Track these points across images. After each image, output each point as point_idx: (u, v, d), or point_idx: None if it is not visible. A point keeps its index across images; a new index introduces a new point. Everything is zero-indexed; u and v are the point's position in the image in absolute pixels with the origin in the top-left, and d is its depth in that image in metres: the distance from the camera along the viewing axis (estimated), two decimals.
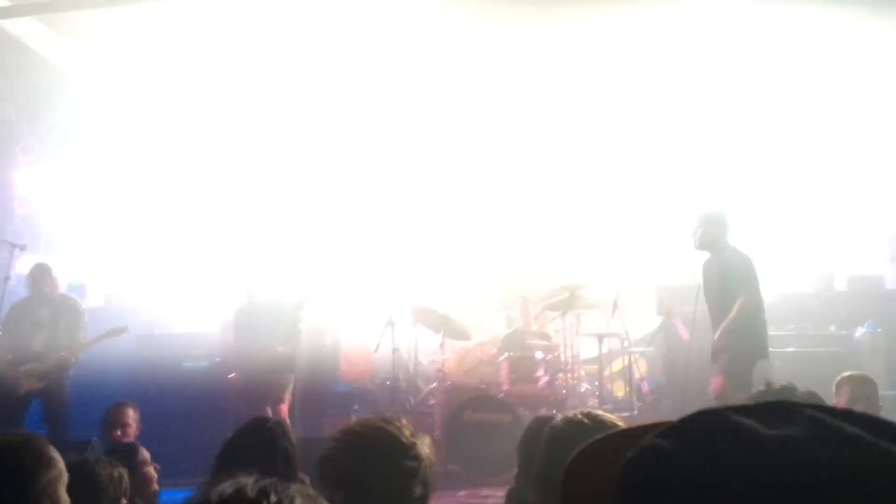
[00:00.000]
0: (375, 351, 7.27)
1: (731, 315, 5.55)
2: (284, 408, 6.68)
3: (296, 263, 9.22)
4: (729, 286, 5.63)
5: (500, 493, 4.54)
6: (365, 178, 10.06)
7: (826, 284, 8.50)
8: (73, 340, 6.74)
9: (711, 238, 5.76)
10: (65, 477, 2.13)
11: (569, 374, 7.45)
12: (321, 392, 8.29)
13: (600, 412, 2.24)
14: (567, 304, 7.60)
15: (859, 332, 7.58)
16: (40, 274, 6.89)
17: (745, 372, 5.43)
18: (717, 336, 5.67)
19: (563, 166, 9.90)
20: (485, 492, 6.33)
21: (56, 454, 2.19)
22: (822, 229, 8.94)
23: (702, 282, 6.02)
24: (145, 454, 3.91)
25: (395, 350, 7.07)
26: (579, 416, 2.19)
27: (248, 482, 0.98)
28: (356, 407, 8.27)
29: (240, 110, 9.61)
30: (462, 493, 6.38)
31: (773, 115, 9.17)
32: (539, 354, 7.22)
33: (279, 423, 3.18)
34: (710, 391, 5.71)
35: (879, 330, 7.53)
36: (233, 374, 6.93)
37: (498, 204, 10.39)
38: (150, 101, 9.73)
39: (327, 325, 8.93)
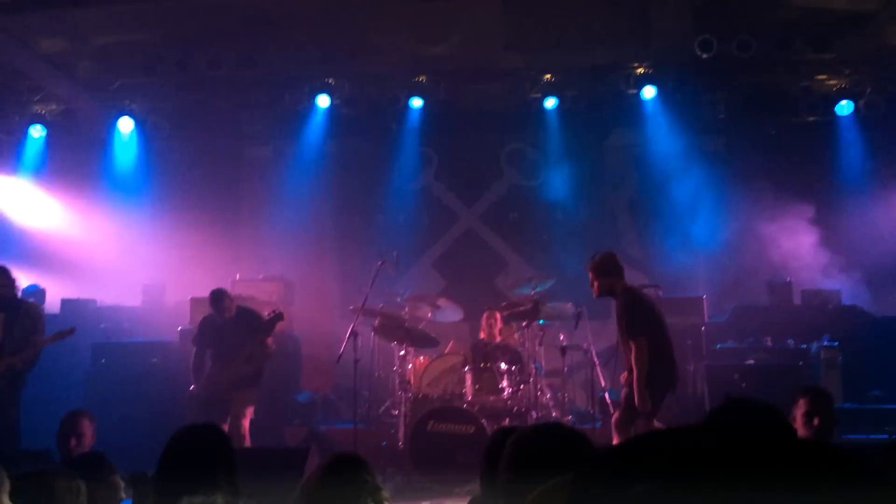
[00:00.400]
0: (338, 361, 7.17)
1: (632, 358, 5.74)
2: (246, 423, 6.55)
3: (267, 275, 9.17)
4: (625, 329, 5.85)
5: None
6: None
7: (785, 299, 8.67)
8: (32, 344, 6.55)
9: (607, 288, 5.97)
10: (6, 485, 2.05)
11: (532, 386, 7.47)
12: (282, 401, 8.19)
13: (565, 424, 2.25)
14: (531, 315, 7.64)
15: (816, 346, 7.74)
16: None
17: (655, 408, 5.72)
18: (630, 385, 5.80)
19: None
20: (448, 502, 6.29)
21: None
22: (783, 244, 9.12)
23: None
24: (111, 463, 3.80)
25: (357, 360, 7.00)
26: (546, 426, 2.19)
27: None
28: (318, 417, 8.17)
29: None
30: (425, 503, 6.34)
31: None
32: (503, 366, 7.22)
33: (213, 428, 3.04)
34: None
35: (836, 344, 7.69)
36: (192, 388, 6.78)
37: (463, 212, 10.45)
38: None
39: (290, 333, 8.84)
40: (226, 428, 6.36)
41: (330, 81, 9.83)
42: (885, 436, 7.02)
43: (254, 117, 10.33)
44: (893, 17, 8.97)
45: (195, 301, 8.05)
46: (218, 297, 6.77)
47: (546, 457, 2.01)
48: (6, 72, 9.41)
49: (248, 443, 6.46)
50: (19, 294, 6.91)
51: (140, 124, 10.02)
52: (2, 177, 10.04)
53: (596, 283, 6.00)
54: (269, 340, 6.73)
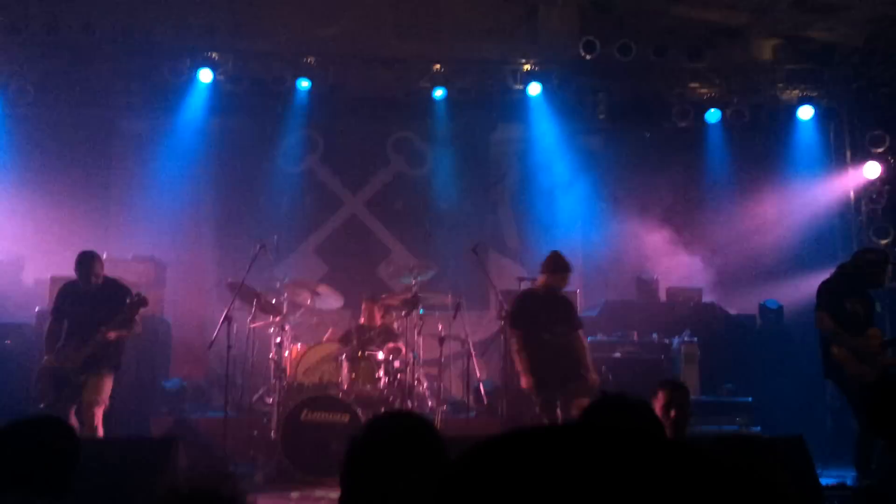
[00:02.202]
0: (209, 347, 6.94)
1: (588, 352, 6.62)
2: (100, 411, 6.02)
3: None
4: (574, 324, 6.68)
5: (335, 495, 4.47)
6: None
7: (651, 295, 9.11)
8: None
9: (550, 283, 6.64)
10: None
11: (409, 375, 7.51)
12: (149, 388, 7.86)
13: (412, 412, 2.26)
14: (410, 304, 7.67)
15: (677, 340, 8.18)
16: None
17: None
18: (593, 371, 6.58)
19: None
20: (319, 492, 6.25)
21: None
22: (651, 242, 9.58)
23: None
24: None
25: (230, 347, 6.79)
26: (386, 415, 2.20)
27: None
28: (187, 405, 7.90)
29: None
30: (295, 493, 6.27)
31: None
32: (380, 355, 7.22)
33: (53, 422, 2.76)
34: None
35: (695, 339, 8.15)
36: (46, 358, 6.17)
37: (348, 198, 10.36)
38: None
39: (160, 316, 8.49)
40: (72, 414, 5.96)
41: (213, 56, 9.46)
42: (736, 426, 7.54)
43: (129, 88, 9.75)
44: (761, 32, 9.58)
45: (56, 280, 7.56)
46: (88, 259, 6.22)
47: (389, 450, 2.02)
48: None
49: (100, 433, 5.95)
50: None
51: (1, 89, 9.29)
52: None
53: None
54: (133, 322, 6.28)
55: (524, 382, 6.38)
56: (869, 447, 6.03)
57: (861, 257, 6.58)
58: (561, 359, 6.38)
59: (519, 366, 6.41)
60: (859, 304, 6.35)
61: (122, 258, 8.56)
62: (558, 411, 6.32)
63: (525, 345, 6.41)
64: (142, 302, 6.18)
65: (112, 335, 6.10)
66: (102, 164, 9.82)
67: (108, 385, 6.17)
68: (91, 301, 6.23)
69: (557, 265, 6.61)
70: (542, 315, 6.50)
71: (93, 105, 9.66)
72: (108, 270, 7.74)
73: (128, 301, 6.19)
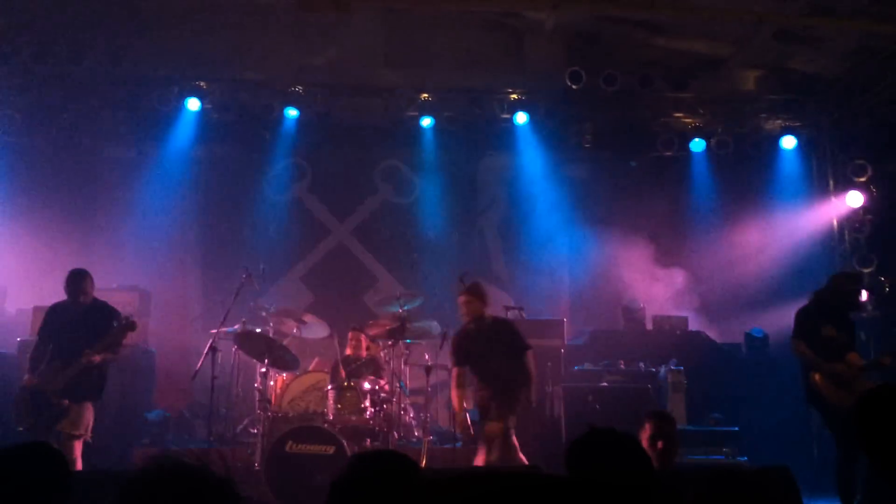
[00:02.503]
0: (193, 377, 6.87)
1: (531, 369, 6.59)
2: (79, 444, 5.92)
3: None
4: (517, 344, 6.64)
5: None
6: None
7: (638, 324, 9.12)
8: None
9: (479, 312, 6.66)
10: None
11: (395, 405, 7.45)
12: (131, 419, 7.76)
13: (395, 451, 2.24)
14: (397, 334, 7.64)
15: (664, 369, 8.18)
16: None
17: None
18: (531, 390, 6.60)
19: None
20: None
21: None
22: (638, 271, 9.61)
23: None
24: None
25: (215, 377, 6.73)
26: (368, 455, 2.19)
27: None
28: (170, 437, 7.80)
29: None
30: None
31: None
32: (366, 385, 7.16)
33: (42, 448, 2.57)
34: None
35: (682, 368, 8.15)
36: (26, 378, 6.03)
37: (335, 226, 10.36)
38: None
39: (144, 346, 8.42)
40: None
41: (201, 84, 9.49)
42: (723, 456, 7.51)
43: (117, 116, 9.78)
44: (743, 63, 9.71)
45: (38, 310, 7.48)
46: (78, 276, 6.16)
47: (370, 492, 2.00)
48: None
49: (79, 466, 5.86)
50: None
51: None
52: None
53: (473, 306, 6.62)
54: (119, 346, 6.15)
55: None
56: (851, 475, 6.02)
57: (834, 282, 6.59)
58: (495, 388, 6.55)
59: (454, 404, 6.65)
60: (837, 330, 6.35)
61: (106, 287, 8.46)
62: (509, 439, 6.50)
63: (458, 382, 6.68)
64: (130, 326, 6.11)
65: (97, 358, 5.99)
66: (88, 193, 9.78)
67: (88, 415, 6.05)
68: (78, 322, 6.13)
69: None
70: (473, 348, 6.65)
71: (80, 133, 9.67)
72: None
73: (115, 324, 6.10)
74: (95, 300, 6.33)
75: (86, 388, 6.05)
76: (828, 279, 6.72)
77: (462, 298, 6.66)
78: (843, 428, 6.13)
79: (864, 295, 6.65)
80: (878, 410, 2.62)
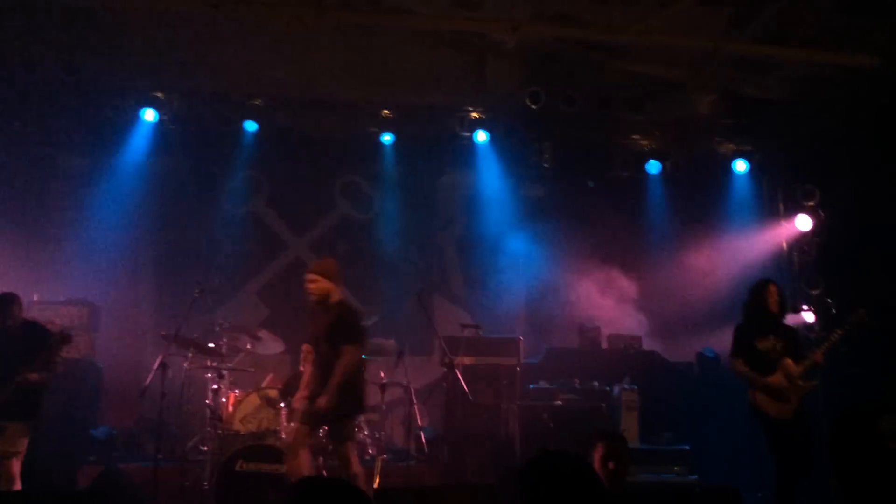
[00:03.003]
0: (142, 394, 6.72)
1: (337, 373, 5.80)
2: (17, 465, 5.82)
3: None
4: (341, 334, 5.90)
5: None
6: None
7: (593, 342, 9.19)
8: None
9: (326, 293, 6.01)
10: None
11: None
12: (77, 436, 7.55)
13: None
14: None
15: (618, 388, 8.25)
16: None
17: (351, 428, 6.05)
18: (326, 394, 5.80)
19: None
20: None
21: None
22: (594, 290, 9.70)
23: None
24: None
25: (164, 393, 6.59)
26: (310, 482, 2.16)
27: None
28: (117, 454, 7.61)
29: None
30: None
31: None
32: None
33: None
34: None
35: (635, 386, 8.23)
36: None
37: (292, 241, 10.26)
38: None
39: (92, 361, 8.22)
40: None
41: (158, 95, 9.36)
42: (674, 475, 7.59)
43: (70, 126, 9.58)
44: (698, 87, 9.91)
45: None
46: (7, 300, 6.09)
47: None
48: None
49: (17, 486, 5.75)
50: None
51: None
52: None
53: (317, 285, 5.95)
54: (55, 362, 6.05)
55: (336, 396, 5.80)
56: (788, 491, 6.12)
57: (751, 292, 6.64)
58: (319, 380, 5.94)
59: (342, 384, 5.82)
60: (772, 341, 6.42)
61: (53, 300, 8.31)
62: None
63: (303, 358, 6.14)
64: (65, 339, 6.00)
65: (34, 377, 5.91)
66: (37, 203, 9.54)
67: (24, 435, 5.96)
68: (11, 343, 6.05)
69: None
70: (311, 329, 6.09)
71: (32, 143, 9.44)
72: (38, 313, 7.52)
73: (49, 340, 6.00)
74: (25, 321, 6.31)
75: (21, 409, 5.95)
76: (748, 291, 6.74)
77: (308, 277, 6.04)
78: (784, 444, 6.22)
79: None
80: (855, 433, 2.54)
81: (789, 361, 6.36)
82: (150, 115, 9.25)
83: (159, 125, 9.39)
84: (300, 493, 2.05)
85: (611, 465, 4.53)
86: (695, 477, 7.63)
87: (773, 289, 6.64)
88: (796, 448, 6.19)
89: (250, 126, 9.51)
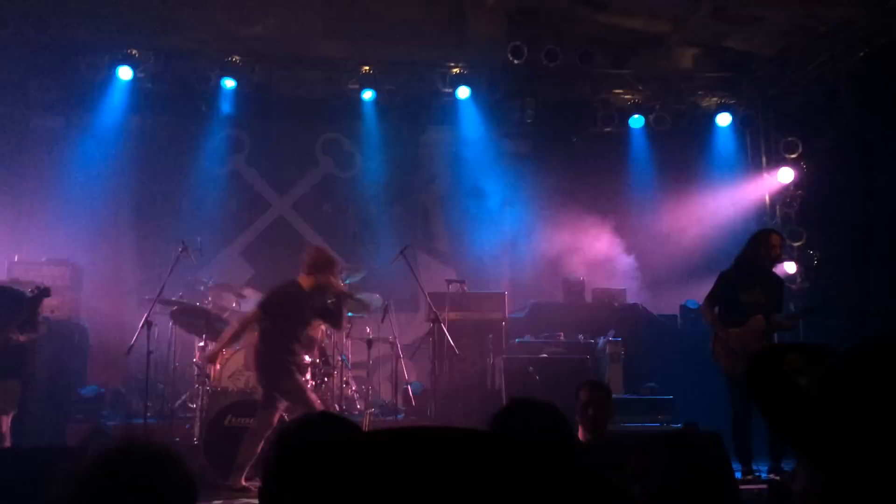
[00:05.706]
0: (128, 352, 6.70)
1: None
2: (7, 420, 5.86)
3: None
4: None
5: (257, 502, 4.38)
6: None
7: (578, 296, 9.26)
8: None
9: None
10: None
11: (337, 378, 7.43)
12: (64, 395, 7.55)
13: (337, 413, 2.23)
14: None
15: (602, 341, 8.34)
16: None
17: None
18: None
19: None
20: (242, 500, 6.10)
21: None
22: (578, 244, 9.74)
23: None
24: None
25: (150, 352, 6.59)
26: (313, 416, 2.17)
27: None
28: (105, 413, 7.63)
29: None
30: (218, 501, 6.11)
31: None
32: (307, 358, 7.11)
33: None
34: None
35: (620, 339, 8.32)
36: None
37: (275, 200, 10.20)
38: None
39: (77, 321, 8.18)
40: None
41: (133, 53, 9.17)
42: (658, 423, 7.73)
43: (44, 84, 9.37)
44: (681, 41, 9.88)
45: None
46: None
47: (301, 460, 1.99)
48: None
49: (8, 442, 5.81)
50: None
51: None
52: None
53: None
54: (38, 321, 6.10)
55: None
56: (746, 436, 6.29)
57: (752, 241, 6.61)
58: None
59: None
60: (758, 295, 6.44)
61: (34, 261, 8.22)
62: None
63: None
64: (44, 293, 5.99)
65: (22, 338, 5.93)
66: (14, 163, 9.35)
67: (13, 391, 5.99)
68: None
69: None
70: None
71: (5, 102, 9.24)
72: (20, 273, 7.45)
73: (29, 293, 6.01)
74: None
75: (8, 366, 5.96)
76: (747, 241, 6.76)
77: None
78: (735, 394, 6.36)
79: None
80: (766, 370, 2.65)
81: (759, 318, 6.40)
82: (125, 72, 9.07)
83: (135, 83, 9.22)
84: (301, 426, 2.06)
85: (590, 411, 4.62)
86: (678, 426, 7.76)
87: (775, 239, 6.63)
88: (746, 399, 6.32)
89: (228, 84, 9.35)
